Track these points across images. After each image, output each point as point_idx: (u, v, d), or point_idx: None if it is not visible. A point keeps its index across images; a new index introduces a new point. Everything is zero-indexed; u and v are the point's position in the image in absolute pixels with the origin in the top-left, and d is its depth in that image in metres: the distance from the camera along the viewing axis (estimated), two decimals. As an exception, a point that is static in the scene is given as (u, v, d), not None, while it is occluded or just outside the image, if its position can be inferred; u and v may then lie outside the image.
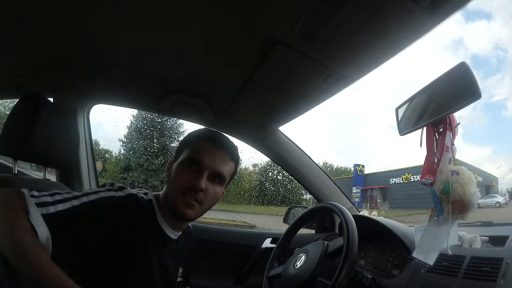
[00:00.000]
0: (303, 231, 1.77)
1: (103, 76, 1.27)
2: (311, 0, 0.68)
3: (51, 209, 0.73)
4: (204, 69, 1.09)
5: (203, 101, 1.30)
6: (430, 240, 0.96)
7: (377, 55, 0.82)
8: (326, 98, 1.08)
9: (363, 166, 21.81)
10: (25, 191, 0.73)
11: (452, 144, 0.92)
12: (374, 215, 1.64)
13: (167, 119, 13.77)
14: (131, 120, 14.72)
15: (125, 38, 0.97)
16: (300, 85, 1.02)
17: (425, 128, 0.96)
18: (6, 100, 2.24)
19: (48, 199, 0.74)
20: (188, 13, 0.80)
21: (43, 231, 0.69)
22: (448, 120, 0.90)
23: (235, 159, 0.99)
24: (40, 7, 0.85)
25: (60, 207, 0.74)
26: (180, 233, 1.02)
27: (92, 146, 1.69)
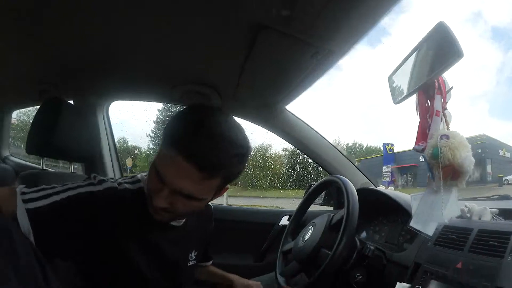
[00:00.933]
0: (323, 209, 1.81)
1: (116, 75, 1.37)
2: None
3: (32, 205, 0.71)
4: (204, 59, 1.14)
5: (210, 88, 1.36)
6: (427, 209, 0.95)
7: (356, 25, 0.82)
8: (320, 74, 1.10)
9: (392, 145, 20.96)
10: (18, 189, 0.73)
11: (445, 108, 0.90)
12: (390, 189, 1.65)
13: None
14: (156, 115, 15.00)
15: (130, 38, 1.04)
16: (292, 65, 1.05)
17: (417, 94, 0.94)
18: (29, 109, 2.47)
19: (34, 195, 0.73)
20: (179, 9, 0.85)
21: (25, 226, 0.68)
22: (437, 83, 0.88)
23: (222, 173, 0.71)
24: (56, 17, 0.94)
25: (40, 203, 0.72)
26: (184, 219, 0.92)
27: (114, 139, 1.83)
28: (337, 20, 0.80)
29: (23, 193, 0.73)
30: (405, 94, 0.96)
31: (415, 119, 0.97)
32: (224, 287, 1.21)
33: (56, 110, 1.09)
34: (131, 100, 1.70)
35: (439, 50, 0.81)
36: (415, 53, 0.91)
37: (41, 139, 1.10)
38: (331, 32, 0.85)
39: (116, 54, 1.17)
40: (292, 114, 1.58)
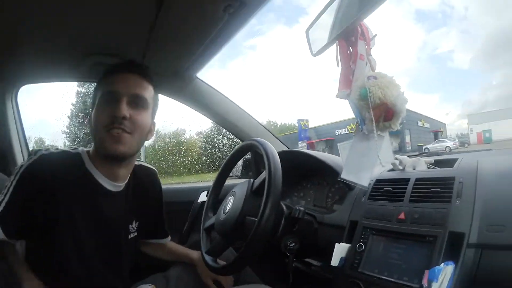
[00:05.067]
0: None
1: (21, 57, 1.25)
2: None
3: None
4: (110, 27, 1.06)
5: (118, 58, 1.23)
6: (358, 157, 0.90)
7: None
8: (233, 32, 1.04)
9: (307, 121, 21.38)
10: None
11: (369, 54, 0.88)
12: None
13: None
14: (71, 109, 14.04)
15: (27, 11, 0.93)
16: (203, 23, 0.98)
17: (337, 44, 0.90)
18: None
19: None
20: None
21: None
22: (360, 29, 0.86)
23: (152, 83, 0.97)
24: None
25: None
26: (124, 185, 0.97)
27: (23, 129, 1.63)
28: None
29: None
30: (324, 43, 0.92)
31: (334, 85, 0.92)
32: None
33: None
34: (40, 82, 1.55)
35: None
36: (335, 1, 0.87)
37: None
38: None
39: (15, 31, 1.05)
40: (204, 82, 1.50)
